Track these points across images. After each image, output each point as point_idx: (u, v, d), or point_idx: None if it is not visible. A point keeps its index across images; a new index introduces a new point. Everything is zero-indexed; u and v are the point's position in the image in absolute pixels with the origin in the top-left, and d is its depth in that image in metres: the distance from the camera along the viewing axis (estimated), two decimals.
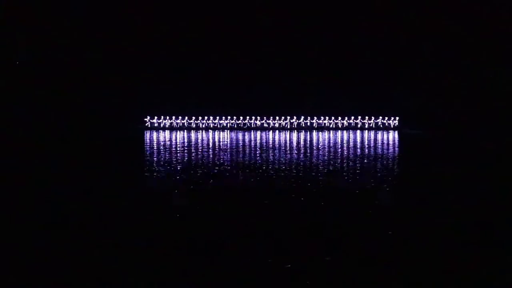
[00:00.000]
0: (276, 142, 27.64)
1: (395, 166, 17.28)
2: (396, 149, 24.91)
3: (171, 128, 39.80)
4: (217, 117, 40.34)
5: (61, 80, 39.84)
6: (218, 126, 40.33)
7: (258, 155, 20.69)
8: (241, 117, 40.63)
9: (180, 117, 40.25)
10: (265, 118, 40.71)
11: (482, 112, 36.32)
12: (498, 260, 6.81)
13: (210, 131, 38.30)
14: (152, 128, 39.83)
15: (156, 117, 40.17)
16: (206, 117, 40.33)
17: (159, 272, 6.37)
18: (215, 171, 15.14)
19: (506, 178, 14.22)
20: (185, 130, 38.72)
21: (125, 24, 40.89)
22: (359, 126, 40.97)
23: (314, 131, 39.08)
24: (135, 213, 9.62)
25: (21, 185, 12.82)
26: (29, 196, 11.28)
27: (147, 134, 34.44)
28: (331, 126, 40.91)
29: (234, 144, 25.62)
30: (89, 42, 40.52)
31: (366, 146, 25.51)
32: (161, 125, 40.01)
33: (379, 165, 17.11)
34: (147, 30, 41.39)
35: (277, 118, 40.77)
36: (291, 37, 42.51)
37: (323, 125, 40.87)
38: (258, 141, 28.13)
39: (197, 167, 16.10)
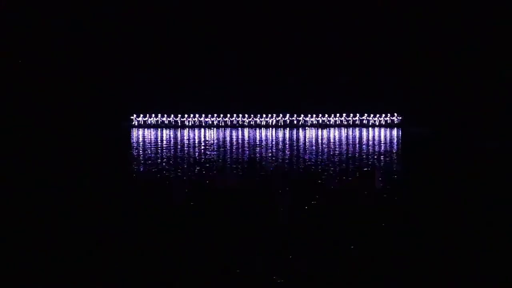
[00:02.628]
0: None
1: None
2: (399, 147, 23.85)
3: (158, 126, 37.33)
4: (203, 115, 37.86)
5: (48, 78, 37.74)
6: (212, 123, 37.87)
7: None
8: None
9: (166, 115, 37.75)
10: (264, 115, 38.55)
11: (484, 111, 34.62)
12: (498, 260, 6.64)
13: (199, 128, 35.76)
14: (139, 126, 37.46)
15: (142, 115, 37.69)
16: (192, 115, 37.79)
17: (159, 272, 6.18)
18: None
19: (507, 177, 13.62)
20: (173, 128, 36.39)
21: (114, 23, 38.71)
22: (364, 123, 38.81)
23: (319, 128, 37.16)
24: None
25: (15, 184, 12.26)
26: (24, 195, 10.72)
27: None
28: (335, 123, 38.82)
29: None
30: (76, 41, 38.47)
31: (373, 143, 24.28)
32: (147, 122, 37.57)
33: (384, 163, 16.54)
34: (135, 29, 39.25)
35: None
36: (291, 36, 40.36)
37: (327, 122, 38.83)
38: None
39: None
